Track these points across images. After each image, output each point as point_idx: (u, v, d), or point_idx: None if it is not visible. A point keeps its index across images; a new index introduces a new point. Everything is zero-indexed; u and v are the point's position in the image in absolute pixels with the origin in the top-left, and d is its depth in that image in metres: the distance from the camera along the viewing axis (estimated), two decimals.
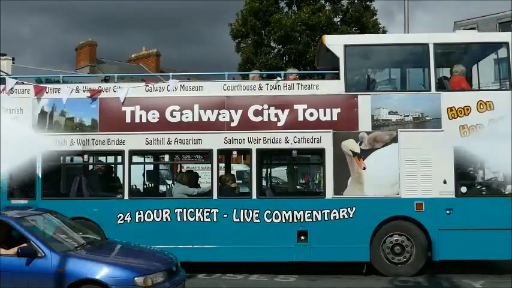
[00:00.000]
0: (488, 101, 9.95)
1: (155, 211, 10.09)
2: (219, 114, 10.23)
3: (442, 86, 10.28)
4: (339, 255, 9.87)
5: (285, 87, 10.25)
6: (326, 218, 9.91)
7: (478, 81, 11.49)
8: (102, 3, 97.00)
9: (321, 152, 10.22)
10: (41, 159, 10.33)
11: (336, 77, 10.26)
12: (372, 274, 9.97)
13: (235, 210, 9.99)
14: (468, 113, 9.92)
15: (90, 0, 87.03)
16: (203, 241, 10.00)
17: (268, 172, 12.75)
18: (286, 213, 9.98)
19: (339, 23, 24.65)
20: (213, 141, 10.22)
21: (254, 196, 10.11)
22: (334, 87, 10.19)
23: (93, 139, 10.32)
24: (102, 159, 12.04)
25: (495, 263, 10.60)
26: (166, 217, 10.07)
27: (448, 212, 9.78)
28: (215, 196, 10.12)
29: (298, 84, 10.29)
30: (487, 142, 9.43)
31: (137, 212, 10.12)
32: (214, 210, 10.02)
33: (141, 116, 10.31)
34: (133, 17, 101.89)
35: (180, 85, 10.41)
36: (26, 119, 10.39)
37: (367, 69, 11.76)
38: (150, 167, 12.64)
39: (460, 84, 10.40)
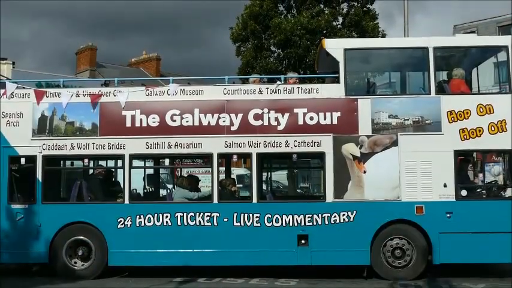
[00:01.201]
0: (488, 105, 9.95)
1: (155, 215, 10.08)
2: (219, 118, 10.24)
3: (441, 89, 10.30)
4: (339, 259, 9.87)
5: (285, 91, 10.26)
6: (326, 222, 9.91)
7: (478, 84, 11.51)
8: (102, 6, 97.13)
9: (321, 156, 10.23)
10: (41, 163, 10.34)
11: (336, 80, 10.28)
12: (373, 277, 9.98)
13: (235, 214, 9.99)
14: (468, 117, 9.94)
15: (91, 0, 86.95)
16: (203, 245, 10.00)
17: (269, 176, 12.76)
18: (287, 217, 9.98)
19: (338, 26, 24.65)
20: (213, 145, 10.23)
21: (254, 200, 10.12)
22: (334, 91, 10.20)
23: (93, 143, 10.33)
24: (103, 163, 12.02)
25: (495, 266, 10.60)
26: (166, 221, 10.06)
27: (448, 215, 9.78)
28: (215, 200, 10.12)
29: (298, 88, 10.30)
30: None
31: (137, 216, 10.11)
32: (215, 214, 10.02)
33: (141, 120, 10.32)
34: (133, 20, 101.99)
35: (180, 89, 10.42)
36: (26, 124, 10.39)
37: (367, 73, 11.78)
38: (151, 171, 12.66)
39: (460, 87, 10.41)
